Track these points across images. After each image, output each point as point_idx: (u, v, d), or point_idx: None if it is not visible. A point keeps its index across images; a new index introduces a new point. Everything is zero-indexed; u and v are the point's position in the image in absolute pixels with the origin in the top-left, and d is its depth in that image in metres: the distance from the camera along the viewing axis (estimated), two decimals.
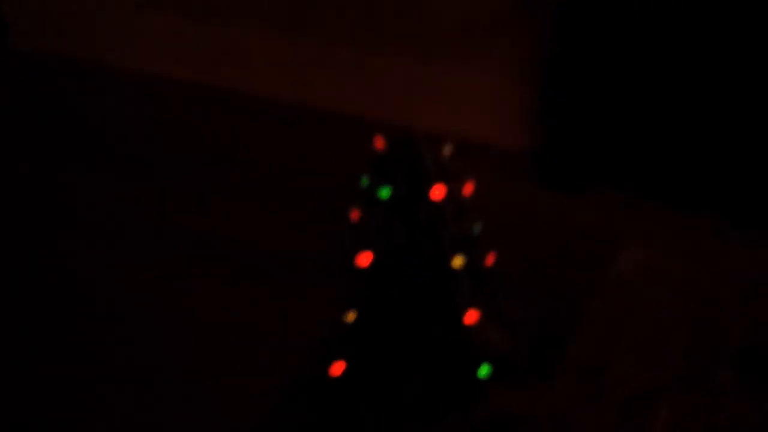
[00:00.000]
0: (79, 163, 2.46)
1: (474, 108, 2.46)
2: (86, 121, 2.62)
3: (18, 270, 2.13)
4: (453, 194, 1.66)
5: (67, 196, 2.35)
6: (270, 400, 1.79)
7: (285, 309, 1.99)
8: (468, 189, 1.70)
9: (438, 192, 1.62)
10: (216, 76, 2.69)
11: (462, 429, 1.69)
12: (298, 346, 1.87)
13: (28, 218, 2.29)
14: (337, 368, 1.71)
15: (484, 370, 1.70)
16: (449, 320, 1.68)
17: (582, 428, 1.65)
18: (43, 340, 1.95)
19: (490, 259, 1.74)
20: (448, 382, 1.70)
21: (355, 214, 1.73)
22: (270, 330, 1.95)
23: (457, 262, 1.65)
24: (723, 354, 1.78)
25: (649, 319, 1.86)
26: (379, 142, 1.66)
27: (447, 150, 1.68)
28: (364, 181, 1.71)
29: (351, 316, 1.69)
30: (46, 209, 2.32)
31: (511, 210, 2.13)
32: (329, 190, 2.25)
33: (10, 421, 1.80)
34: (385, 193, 1.62)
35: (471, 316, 1.68)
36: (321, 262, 2.02)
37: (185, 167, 2.43)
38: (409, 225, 1.63)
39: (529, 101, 2.37)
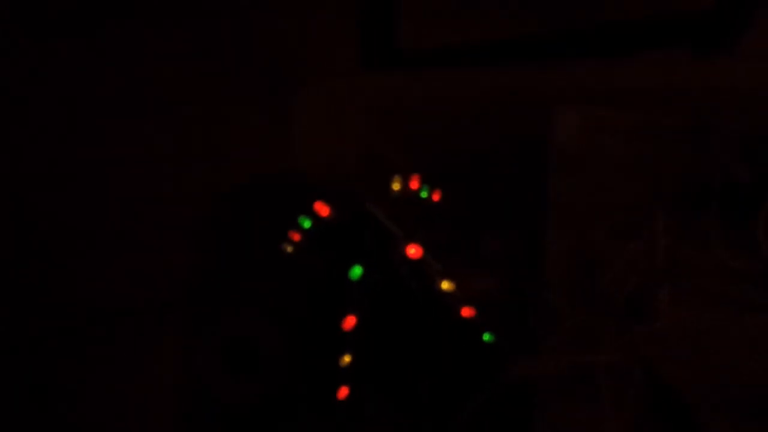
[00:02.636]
0: None
1: None
2: None
3: None
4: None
5: None
6: None
7: None
8: (436, 197, 1.52)
9: (415, 251, 1.42)
10: None
11: (485, 407, 1.66)
12: None
13: None
14: (343, 392, 1.63)
15: (487, 337, 1.64)
16: (447, 327, 1.58)
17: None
18: None
19: (436, 196, 1.59)
20: (460, 368, 1.65)
21: (296, 236, 1.54)
22: None
23: (446, 285, 1.51)
24: (702, 204, 1.71)
25: (614, 185, 1.75)
26: (323, 210, 1.42)
27: (396, 184, 1.45)
28: (306, 223, 1.49)
29: (347, 359, 1.57)
30: None
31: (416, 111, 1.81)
32: None
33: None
34: (357, 272, 1.42)
35: (466, 312, 1.57)
36: None
37: None
38: (390, 282, 1.46)
39: None
